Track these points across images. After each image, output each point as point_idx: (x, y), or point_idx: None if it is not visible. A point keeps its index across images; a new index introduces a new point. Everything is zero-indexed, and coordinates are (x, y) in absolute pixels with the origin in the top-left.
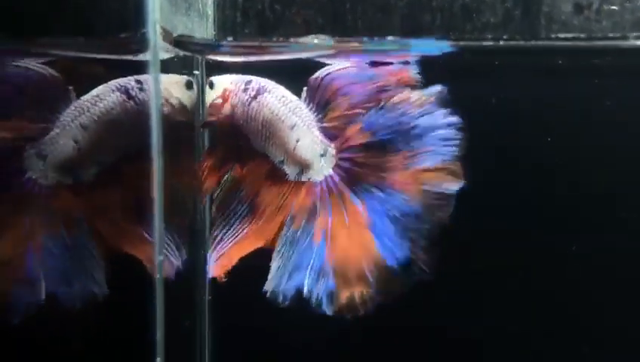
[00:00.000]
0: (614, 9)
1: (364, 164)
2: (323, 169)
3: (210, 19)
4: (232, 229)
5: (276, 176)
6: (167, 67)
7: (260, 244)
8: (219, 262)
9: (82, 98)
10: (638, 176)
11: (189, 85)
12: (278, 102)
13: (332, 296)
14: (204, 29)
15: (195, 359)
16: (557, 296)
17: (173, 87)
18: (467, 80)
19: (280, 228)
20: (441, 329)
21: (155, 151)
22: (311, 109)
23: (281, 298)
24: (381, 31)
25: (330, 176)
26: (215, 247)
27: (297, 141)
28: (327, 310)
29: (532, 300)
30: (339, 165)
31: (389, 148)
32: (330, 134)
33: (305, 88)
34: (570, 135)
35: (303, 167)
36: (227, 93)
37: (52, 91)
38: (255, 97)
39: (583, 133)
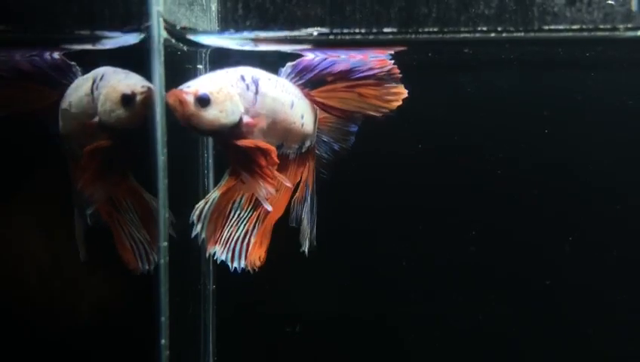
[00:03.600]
0: (605, 1)
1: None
2: (314, 133)
3: (214, 13)
4: (246, 226)
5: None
6: (170, 61)
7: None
8: (251, 253)
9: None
10: (624, 163)
11: (125, 101)
12: (274, 86)
13: None
14: (207, 23)
15: (199, 343)
16: None
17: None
18: (459, 71)
19: (290, 197)
20: None
21: (159, 145)
22: (297, 83)
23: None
24: (378, 22)
25: (317, 135)
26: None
27: (302, 117)
28: None
29: None
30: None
31: None
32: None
33: (293, 64)
34: (561, 125)
35: (305, 139)
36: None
37: (58, 68)
38: (257, 91)
39: (574, 122)
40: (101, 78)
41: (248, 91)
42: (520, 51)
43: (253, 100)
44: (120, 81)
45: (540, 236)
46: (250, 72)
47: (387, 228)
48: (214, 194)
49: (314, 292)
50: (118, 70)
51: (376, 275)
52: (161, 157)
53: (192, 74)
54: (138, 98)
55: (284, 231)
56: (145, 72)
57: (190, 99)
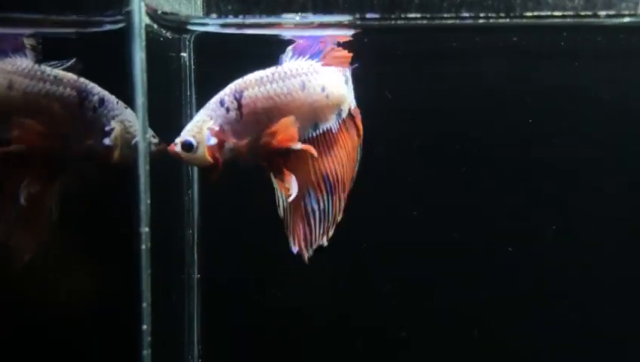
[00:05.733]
0: None
1: None
2: (351, 92)
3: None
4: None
5: (325, 141)
6: (152, 48)
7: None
8: None
9: (42, 66)
10: (608, 152)
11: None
12: (266, 85)
13: None
14: (191, 8)
15: (183, 330)
16: None
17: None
18: (441, 57)
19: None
20: None
21: (141, 130)
22: (305, 58)
23: None
24: (361, 8)
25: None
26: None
27: (324, 89)
28: None
29: None
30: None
31: None
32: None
33: (292, 47)
34: (543, 113)
35: (341, 105)
36: (217, 130)
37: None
38: (240, 106)
39: (556, 110)
40: (101, 103)
41: (229, 112)
42: (502, 38)
43: (237, 117)
44: (133, 123)
45: (525, 228)
46: (231, 89)
47: (370, 220)
48: (283, 202)
49: (299, 282)
50: (120, 102)
51: (360, 269)
52: (143, 144)
53: (176, 61)
54: (152, 148)
55: (270, 222)
56: (125, 57)
57: (178, 149)
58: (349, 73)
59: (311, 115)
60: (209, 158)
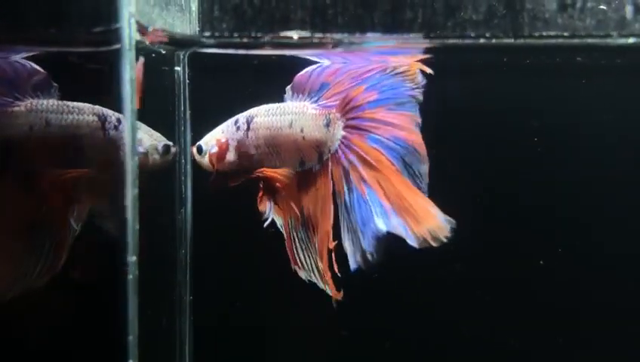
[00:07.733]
0: (598, 7)
1: (375, 119)
2: (334, 136)
3: (194, 13)
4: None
5: (304, 178)
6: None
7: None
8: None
9: (64, 101)
10: (619, 168)
11: (165, 151)
12: (269, 116)
13: None
14: (186, 23)
15: (175, 355)
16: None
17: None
18: (447, 78)
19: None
20: None
21: (129, 150)
22: (301, 99)
23: None
24: (362, 27)
25: (344, 137)
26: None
27: (302, 130)
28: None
29: None
30: (349, 125)
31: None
32: (330, 106)
33: (290, 86)
34: (551, 133)
35: (320, 148)
36: (222, 142)
37: (37, 83)
38: (248, 128)
39: (565, 130)
40: (119, 121)
41: (238, 131)
42: (509, 58)
43: (244, 137)
44: (150, 130)
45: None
46: (247, 113)
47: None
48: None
49: (294, 305)
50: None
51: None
52: (130, 162)
53: (169, 76)
54: (172, 150)
55: (264, 242)
56: (114, 75)
57: (194, 150)
58: (333, 116)
59: (295, 153)
60: (209, 164)
